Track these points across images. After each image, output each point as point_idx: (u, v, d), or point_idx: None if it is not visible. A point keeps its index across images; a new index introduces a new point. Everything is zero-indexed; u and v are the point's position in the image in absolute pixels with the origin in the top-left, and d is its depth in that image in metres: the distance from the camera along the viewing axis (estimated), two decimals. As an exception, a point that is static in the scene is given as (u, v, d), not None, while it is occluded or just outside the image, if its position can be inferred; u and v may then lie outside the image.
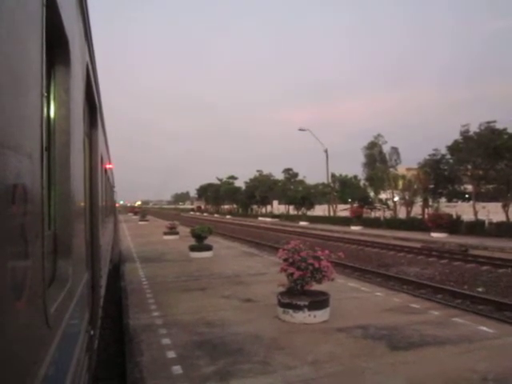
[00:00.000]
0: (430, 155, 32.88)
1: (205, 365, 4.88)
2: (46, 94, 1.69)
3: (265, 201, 65.73)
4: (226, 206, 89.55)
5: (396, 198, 39.25)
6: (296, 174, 65.77)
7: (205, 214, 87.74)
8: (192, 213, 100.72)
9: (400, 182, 38.02)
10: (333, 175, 47.86)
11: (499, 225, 24.02)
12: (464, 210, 30.13)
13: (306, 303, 6.47)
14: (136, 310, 7.49)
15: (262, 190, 63.83)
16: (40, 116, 1.40)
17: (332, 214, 45.92)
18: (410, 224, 30.02)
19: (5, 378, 0.96)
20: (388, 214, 38.28)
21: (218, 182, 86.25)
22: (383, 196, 46.91)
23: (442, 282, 12.73)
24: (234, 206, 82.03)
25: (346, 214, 41.01)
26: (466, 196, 33.64)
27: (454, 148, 29.99)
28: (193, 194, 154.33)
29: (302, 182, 58.14)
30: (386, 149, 61.10)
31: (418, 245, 21.39)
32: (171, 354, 5.24)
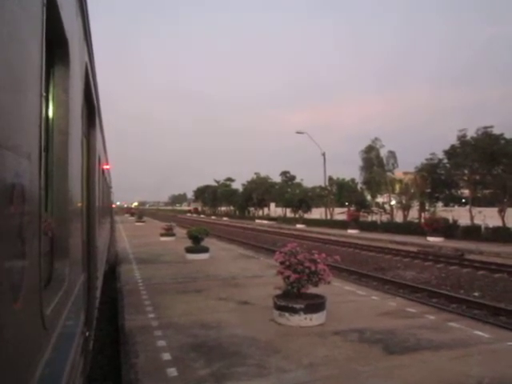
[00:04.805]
0: (427, 159, 33.00)
1: (200, 367, 4.87)
2: (44, 94, 1.69)
3: (262, 203, 65.70)
4: (223, 208, 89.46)
5: (393, 202, 39.33)
6: (293, 177, 65.85)
7: (202, 216, 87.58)
8: (189, 214, 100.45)
9: (397, 186, 38.13)
10: (330, 178, 47.91)
11: (495, 230, 24.10)
12: (460, 215, 30.17)
13: (303, 306, 6.47)
14: (132, 312, 7.46)
15: (259, 192, 63.81)
16: (39, 116, 1.40)
17: (329, 217, 45.93)
18: (407, 228, 30.06)
19: (1, 380, 0.95)
20: (385, 217, 38.33)
21: (216, 184, 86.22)
22: (380, 200, 47.04)
23: (438, 286, 12.74)
24: (231, 208, 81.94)
25: (343, 217, 41.04)
26: (463, 201, 33.75)
27: (450, 152, 30.09)
28: (190, 195, 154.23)
29: (299, 185, 58.16)
30: (383, 152, 61.32)
31: (415, 249, 21.42)
32: (166, 356, 5.23)
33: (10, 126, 1.04)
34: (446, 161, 31.54)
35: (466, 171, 29.53)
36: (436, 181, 31.99)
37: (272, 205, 64.95)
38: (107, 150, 11.53)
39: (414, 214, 35.55)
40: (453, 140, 29.93)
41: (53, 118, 2.05)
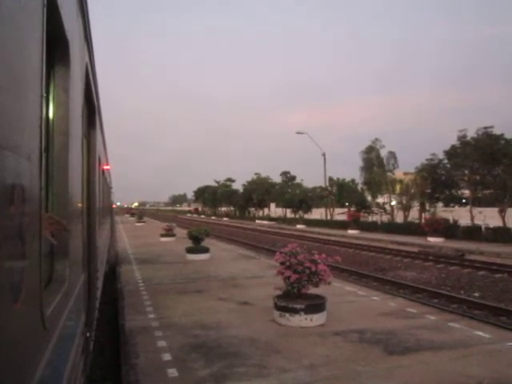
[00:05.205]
0: (427, 160, 32.97)
1: (200, 368, 4.87)
2: (45, 95, 1.69)
3: (262, 204, 65.67)
4: (224, 209, 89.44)
5: (393, 202, 39.31)
6: (293, 177, 65.85)
7: (202, 216, 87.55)
8: (189, 215, 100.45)
9: (397, 187, 38.11)
10: (330, 179, 47.89)
11: (496, 230, 24.07)
12: (461, 215, 30.14)
13: (303, 306, 6.47)
14: (132, 312, 7.47)
15: (260, 192, 63.79)
16: (39, 117, 1.39)
17: (329, 217, 45.92)
18: (407, 228, 30.04)
19: (1, 380, 0.95)
20: (385, 218, 38.32)
21: (216, 185, 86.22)
22: (380, 200, 47.02)
23: (439, 286, 12.73)
24: (232, 208, 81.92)
25: (344, 217, 41.02)
26: (463, 201, 33.72)
27: (451, 153, 30.07)
28: (190, 195, 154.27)
29: (299, 186, 58.16)
30: (383, 153, 61.43)
31: (415, 249, 21.42)
32: (167, 357, 5.23)
33: (10, 127, 1.04)
34: (446, 161, 31.52)
35: (466, 171, 29.50)
36: (436, 181, 31.95)
37: (272, 205, 64.96)
38: (107, 150, 11.53)
39: (414, 214, 35.54)
40: (453, 140, 29.97)
41: (53, 119, 2.05)
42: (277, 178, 67.26)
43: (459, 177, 30.78)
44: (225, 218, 72.84)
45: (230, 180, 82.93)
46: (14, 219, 1.08)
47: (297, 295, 6.68)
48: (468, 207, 30.29)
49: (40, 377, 1.31)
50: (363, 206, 42.89)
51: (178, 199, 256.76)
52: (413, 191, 34.36)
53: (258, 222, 55.85)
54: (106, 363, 6.45)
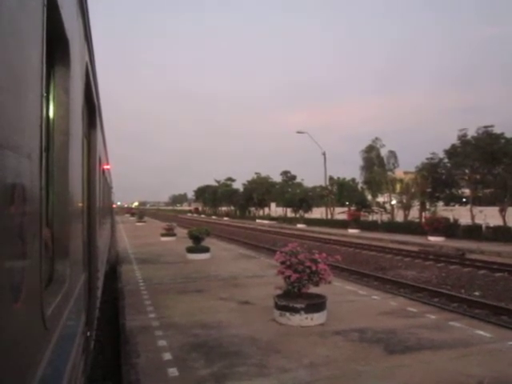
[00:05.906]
0: (427, 159, 32.97)
1: (201, 367, 4.87)
2: (45, 94, 1.68)
3: (262, 203, 65.71)
4: (224, 208, 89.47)
5: (393, 202, 39.32)
6: (294, 177, 65.88)
7: (202, 216, 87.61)
8: (189, 214, 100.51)
9: (397, 186, 38.11)
10: (331, 178, 47.91)
11: (496, 229, 24.05)
12: (461, 214, 30.12)
13: (303, 306, 6.47)
14: (132, 312, 7.47)
15: (260, 192, 63.82)
16: (39, 116, 1.39)
17: (329, 216, 45.92)
18: (408, 227, 30.03)
19: (1, 380, 0.95)
20: (385, 217, 38.33)
21: (216, 184, 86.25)
22: (381, 199, 47.07)
23: (439, 285, 12.73)
24: (232, 208, 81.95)
25: (344, 217, 41.03)
26: (464, 200, 33.72)
27: (451, 152, 30.06)
28: (190, 195, 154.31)
29: (299, 185, 58.18)
30: (383, 152, 61.40)
31: (415, 248, 21.40)
32: (167, 356, 5.23)
33: (10, 126, 1.04)
34: (446, 160, 31.52)
35: (466, 170, 29.52)
36: (437, 180, 31.95)
37: (272, 205, 64.99)
38: (108, 150, 11.52)
39: (414, 213, 35.55)
40: (453, 140, 29.97)
41: (53, 119, 2.05)
42: (277, 178, 67.37)
43: (459, 176, 30.79)
44: (225, 218, 72.84)
45: (231, 179, 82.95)
46: (14, 219, 1.08)
47: (297, 294, 6.68)
48: (468, 206, 30.28)
49: (40, 376, 1.31)
50: (363, 205, 42.95)
51: (179, 199, 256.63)
52: (413, 190, 34.39)
53: (258, 221, 55.87)
54: (106, 363, 6.45)
